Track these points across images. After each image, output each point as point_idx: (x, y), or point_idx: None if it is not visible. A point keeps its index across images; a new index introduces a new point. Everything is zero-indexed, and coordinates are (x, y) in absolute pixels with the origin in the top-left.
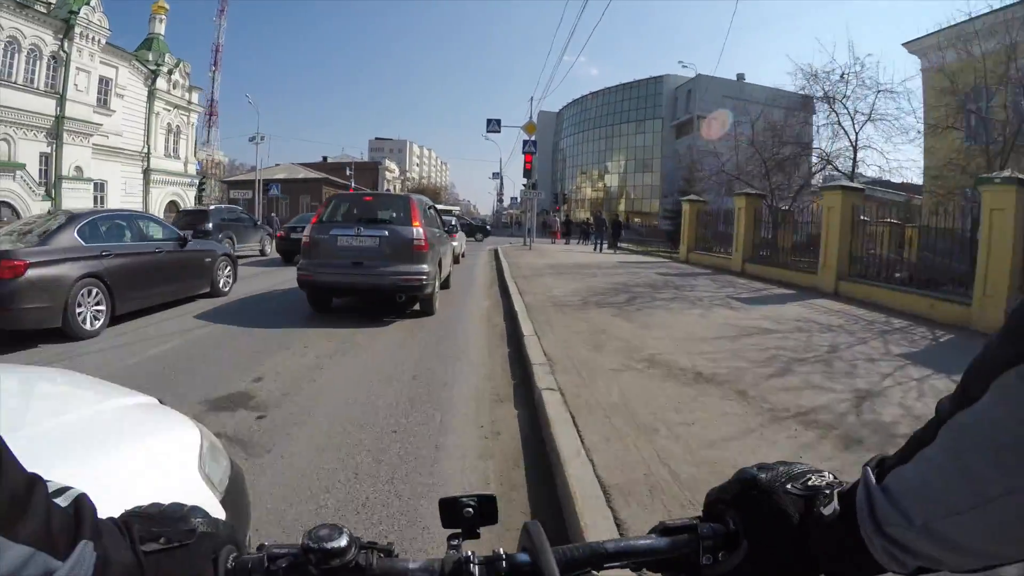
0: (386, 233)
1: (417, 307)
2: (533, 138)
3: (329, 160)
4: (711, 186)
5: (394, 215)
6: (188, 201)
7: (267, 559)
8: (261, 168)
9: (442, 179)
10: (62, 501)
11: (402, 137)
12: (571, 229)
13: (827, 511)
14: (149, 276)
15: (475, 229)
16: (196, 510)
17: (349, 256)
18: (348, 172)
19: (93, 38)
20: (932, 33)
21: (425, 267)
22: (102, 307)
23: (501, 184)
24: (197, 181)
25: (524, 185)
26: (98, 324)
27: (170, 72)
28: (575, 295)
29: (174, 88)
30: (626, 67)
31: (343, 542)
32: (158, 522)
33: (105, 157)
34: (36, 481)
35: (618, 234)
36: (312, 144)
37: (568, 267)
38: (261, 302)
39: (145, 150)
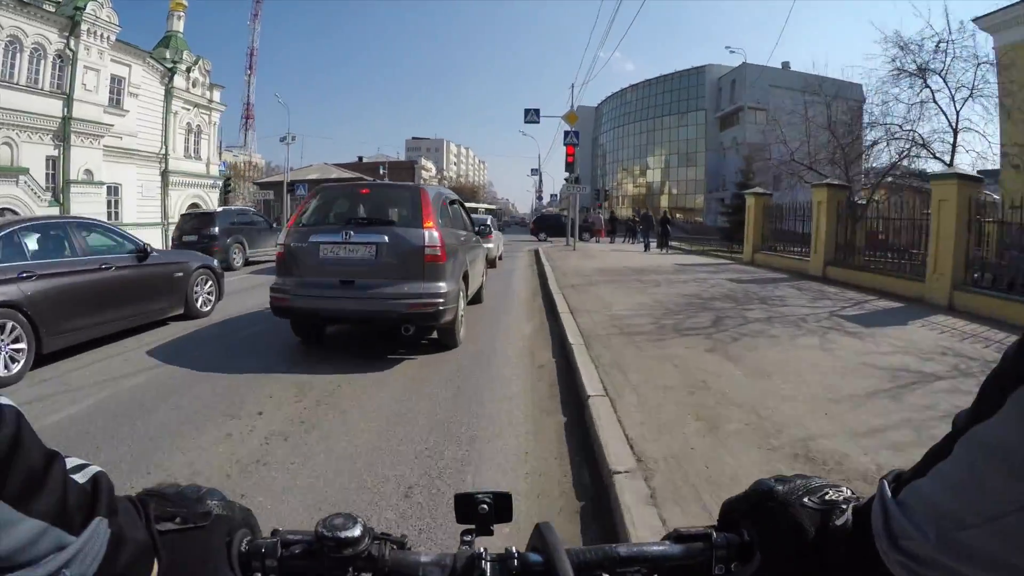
0: (386, 239)
1: (435, 335)
2: (575, 129)
3: (364, 160)
4: (767, 180)
5: (399, 213)
6: (211, 203)
7: (280, 544)
8: (295, 168)
9: (480, 178)
10: (80, 477)
11: (439, 136)
12: (616, 227)
13: (840, 523)
14: (92, 300)
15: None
16: (213, 492)
17: (336, 272)
18: (381, 171)
19: (102, 35)
20: (1006, 7)
21: (442, 285)
22: (21, 345)
23: (540, 181)
24: (221, 183)
25: (566, 180)
26: (16, 367)
27: (188, 70)
28: (642, 313)
29: (193, 86)
30: (661, 61)
31: (357, 532)
32: (174, 502)
33: (119, 159)
34: (55, 456)
35: (667, 232)
36: (348, 144)
37: (622, 272)
38: (244, 326)
39: (163, 151)
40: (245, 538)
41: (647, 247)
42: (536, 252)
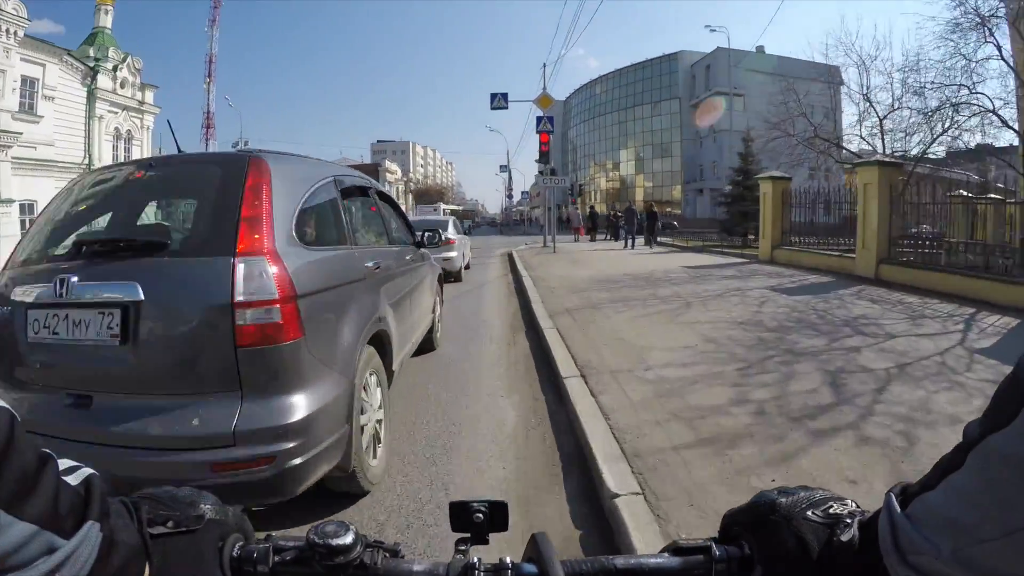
0: (139, 292)
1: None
2: (548, 114)
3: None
4: (769, 163)
5: (189, 227)
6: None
7: (272, 551)
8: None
9: (448, 179)
10: (72, 479)
11: (405, 139)
12: (597, 224)
13: (845, 537)
14: None
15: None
16: (206, 496)
17: (53, 375)
18: None
19: (7, 30)
20: None
21: (291, 403)
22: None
23: (510, 178)
24: None
25: (539, 171)
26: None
27: (115, 68)
28: (703, 374)
29: (122, 87)
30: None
31: (348, 539)
32: (167, 505)
33: (32, 172)
34: (48, 459)
35: (654, 227)
36: (311, 150)
37: (625, 282)
38: None
39: (86, 161)
40: (237, 543)
41: (630, 244)
42: (510, 257)
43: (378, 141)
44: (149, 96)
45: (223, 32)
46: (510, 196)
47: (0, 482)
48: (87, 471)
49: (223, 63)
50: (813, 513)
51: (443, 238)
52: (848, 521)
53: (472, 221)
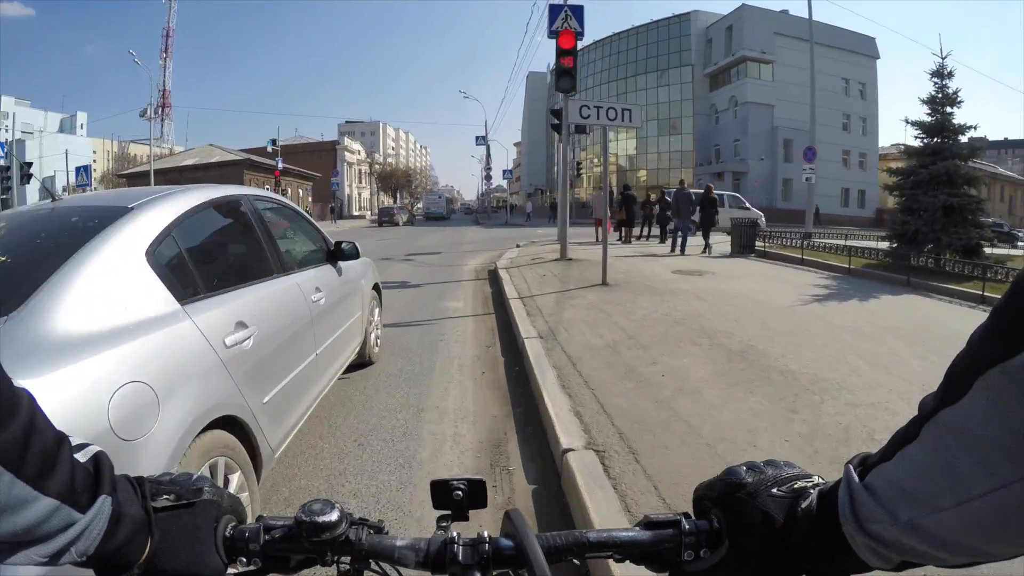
0: None
1: None
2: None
3: (280, 143)
4: None
5: None
6: None
7: (263, 529)
8: (179, 152)
9: (421, 163)
10: (81, 457)
11: (376, 119)
12: (634, 214)
13: (803, 505)
14: None
15: None
16: (203, 479)
17: None
18: (270, 148)
19: None
20: None
21: None
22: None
23: (488, 154)
24: None
25: (554, 113)
26: None
27: None
28: None
29: None
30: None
31: (334, 516)
32: (167, 485)
33: None
34: (63, 438)
35: (711, 219)
36: (269, 129)
37: None
38: None
39: None
40: (230, 523)
41: (679, 246)
42: (497, 277)
43: (346, 122)
44: None
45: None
46: (488, 178)
47: (26, 460)
48: (94, 448)
49: (187, 36)
50: (778, 490)
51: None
52: (810, 492)
53: (448, 206)
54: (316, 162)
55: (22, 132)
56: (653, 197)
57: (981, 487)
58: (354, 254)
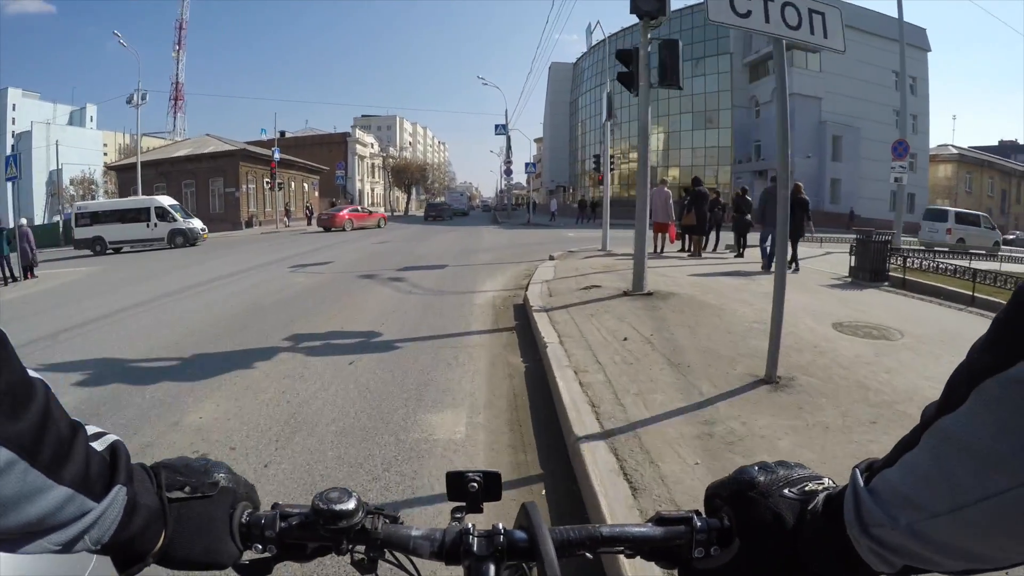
0: None
1: None
2: None
3: (288, 134)
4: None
5: None
6: None
7: (279, 517)
8: (172, 142)
9: (439, 158)
10: (98, 445)
11: (392, 113)
12: (706, 217)
13: (813, 509)
14: None
15: None
16: (219, 465)
17: None
18: (265, 136)
19: None
20: None
21: None
22: None
23: (508, 145)
24: None
25: (624, 51)
26: None
27: None
28: None
29: None
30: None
31: (351, 505)
32: (183, 473)
33: None
34: (78, 427)
35: (801, 226)
36: (282, 120)
37: None
38: None
39: None
40: (246, 510)
41: (769, 262)
42: (534, 351)
43: (362, 116)
44: None
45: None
46: (508, 172)
47: (41, 449)
48: (112, 437)
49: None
50: (789, 491)
51: None
52: (819, 494)
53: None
54: (325, 155)
55: (31, 123)
56: (726, 193)
57: (974, 494)
58: None
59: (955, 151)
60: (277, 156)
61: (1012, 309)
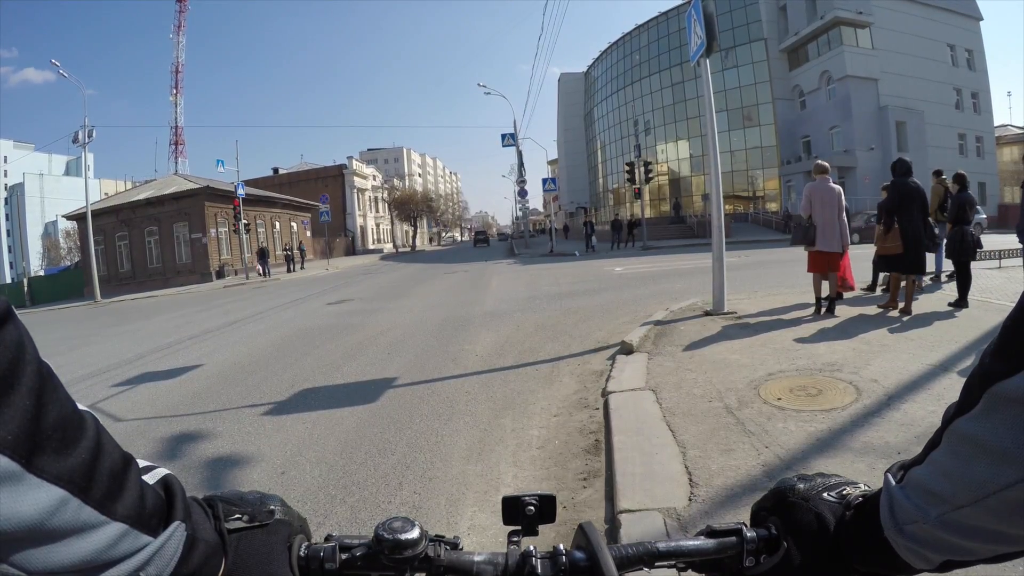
0: None
1: None
2: None
3: (281, 171)
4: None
5: None
6: None
7: (339, 548)
8: (135, 186)
9: (449, 188)
10: (150, 479)
11: (399, 145)
12: (919, 237)
13: (852, 513)
14: None
15: None
16: (273, 498)
17: None
18: (221, 168)
19: None
20: None
21: None
22: None
23: (520, 162)
24: None
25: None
26: None
27: None
28: None
29: None
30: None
31: (415, 534)
32: (238, 504)
33: None
34: (130, 460)
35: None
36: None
37: None
38: None
39: None
40: (303, 543)
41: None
42: None
43: (368, 149)
44: None
45: (196, 37)
46: (523, 192)
47: (93, 483)
48: (163, 471)
49: (198, 71)
50: (828, 495)
51: None
52: (858, 498)
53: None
54: (321, 190)
55: (23, 175)
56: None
57: (992, 486)
58: None
59: (1018, 131)
60: (241, 192)
61: (1017, 315)
